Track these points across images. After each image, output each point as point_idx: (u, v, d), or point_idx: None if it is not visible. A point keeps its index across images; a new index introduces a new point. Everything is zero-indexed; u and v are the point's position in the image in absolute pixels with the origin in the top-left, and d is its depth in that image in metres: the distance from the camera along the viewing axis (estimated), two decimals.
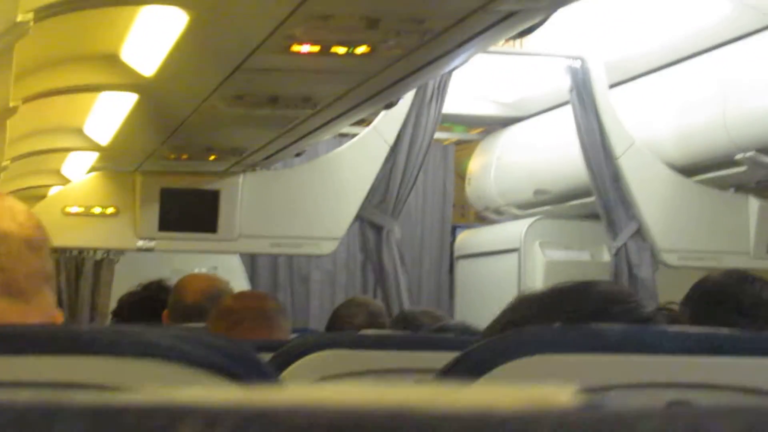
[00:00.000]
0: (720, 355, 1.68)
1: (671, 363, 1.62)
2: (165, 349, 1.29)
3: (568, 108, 6.72)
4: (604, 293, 2.13)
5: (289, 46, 3.70)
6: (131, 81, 4.38)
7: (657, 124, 6.58)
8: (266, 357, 2.27)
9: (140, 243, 6.83)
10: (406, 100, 6.40)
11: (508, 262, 7.95)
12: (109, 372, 1.29)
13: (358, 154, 6.85)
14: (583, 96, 6.53)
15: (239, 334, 3.47)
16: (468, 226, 9.50)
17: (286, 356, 2.29)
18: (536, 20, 3.66)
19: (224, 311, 3.68)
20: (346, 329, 4.60)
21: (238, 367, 1.38)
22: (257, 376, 1.37)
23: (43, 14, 3.16)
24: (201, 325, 3.81)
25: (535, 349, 1.62)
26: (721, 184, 6.56)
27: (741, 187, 6.53)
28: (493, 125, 8.59)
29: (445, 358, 1.76)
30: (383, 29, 3.50)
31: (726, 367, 1.63)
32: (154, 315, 4.49)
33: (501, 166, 8.42)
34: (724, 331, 1.97)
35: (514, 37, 4.60)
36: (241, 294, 4.48)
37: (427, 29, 3.50)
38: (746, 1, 5.62)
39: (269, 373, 1.48)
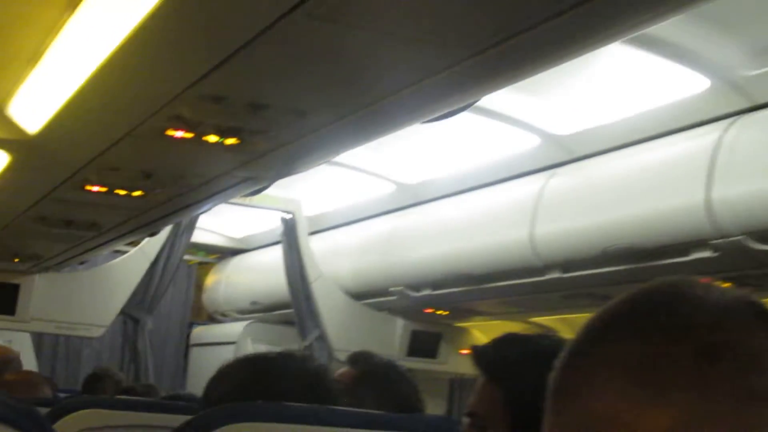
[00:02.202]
0: (370, 429, 1.71)
1: None
2: None
3: (279, 246, 6.76)
4: (303, 373, 2.13)
5: (84, 186, 3.61)
6: None
7: (339, 262, 6.67)
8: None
9: None
10: (165, 230, 6.35)
11: (228, 352, 7.82)
12: None
13: (127, 266, 6.71)
14: (290, 239, 6.61)
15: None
16: (202, 323, 9.32)
17: (58, 411, 2.21)
18: (263, 185, 3.70)
19: (3, 382, 3.62)
20: (99, 393, 4.55)
21: (24, 420, 1.33)
22: (37, 428, 1.33)
23: None
24: None
25: (243, 417, 1.62)
26: (379, 307, 6.67)
27: (392, 310, 6.67)
28: (225, 253, 8.55)
29: (178, 419, 1.74)
30: (155, 180, 3.46)
31: None
32: None
33: (229, 283, 8.35)
34: (373, 411, 2.01)
35: (248, 195, 4.63)
36: (20, 371, 4.41)
37: (187, 184, 3.49)
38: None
39: (47, 427, 1.43)
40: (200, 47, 2.14)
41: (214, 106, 2.45)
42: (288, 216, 6.61)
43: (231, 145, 2.83)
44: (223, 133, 2.69)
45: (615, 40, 2.03)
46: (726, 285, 3.49)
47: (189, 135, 2.76)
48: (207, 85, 2.30)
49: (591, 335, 0.92)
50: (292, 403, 1.73)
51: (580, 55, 2.00)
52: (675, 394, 0.82)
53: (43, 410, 2.20)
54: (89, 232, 4.50)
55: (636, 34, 3.43)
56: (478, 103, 4.49)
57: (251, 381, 1.90)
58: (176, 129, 2.72)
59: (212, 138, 2.76)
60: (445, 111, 2.44)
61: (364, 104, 2.36)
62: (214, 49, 2.11)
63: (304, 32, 1.94)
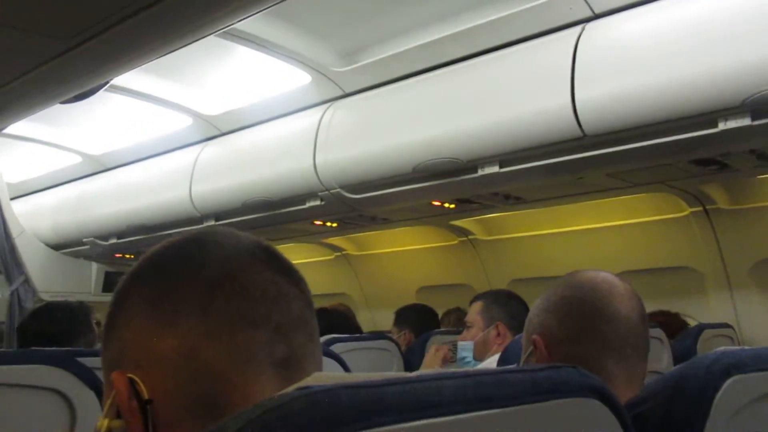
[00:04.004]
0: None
1: None
2: None
3: None
4: None
5: None
6: None
7: (39, 220, 6.08)
8: None
9: None
10: None
11: None
12: None
13: None
14: None
15: None
16: None
17: None
18: None
19: None
20: None
21: None
22: None
23: None
24: None
25: None
26: (76, 255, 6.23)
27: (87, 256, 6.24)
28: None
29: None
30: None
31: None
32: None
33: None
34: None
35: None
36: None
37: None
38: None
39: None
40: None
41: None
42: None
43: None
44: None
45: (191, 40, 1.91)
46: (333, 225, 3.53)
47: None
48: None
49: (129, 279, 0.88)
50: None
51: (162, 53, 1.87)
52: (181, 321, 0.81)
53: None
54: None
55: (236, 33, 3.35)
56: (145, 90, 4.26)
57: None
58: None
59: None
60: (77, 93, 2.22)
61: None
62: None
63: None
